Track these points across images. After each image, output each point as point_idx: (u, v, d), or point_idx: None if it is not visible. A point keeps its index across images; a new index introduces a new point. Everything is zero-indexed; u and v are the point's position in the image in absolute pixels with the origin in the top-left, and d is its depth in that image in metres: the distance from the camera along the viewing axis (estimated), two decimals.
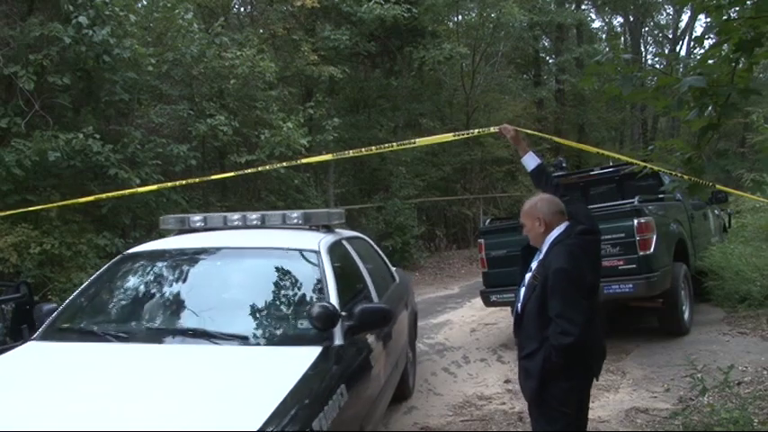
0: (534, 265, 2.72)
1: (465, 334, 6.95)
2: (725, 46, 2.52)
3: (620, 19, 27.19)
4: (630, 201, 5.62)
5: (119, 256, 3.61)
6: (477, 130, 4.56)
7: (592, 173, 7.46)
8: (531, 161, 3.08)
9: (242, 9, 14.23)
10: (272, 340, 2.79)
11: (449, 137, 4.57)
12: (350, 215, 12.65)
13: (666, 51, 26.44)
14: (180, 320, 3.00)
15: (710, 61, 2.68)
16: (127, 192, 5.92)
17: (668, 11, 26.46)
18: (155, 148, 8.27)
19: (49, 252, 6.92)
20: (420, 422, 4.33)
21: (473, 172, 16.79)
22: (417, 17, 12.60)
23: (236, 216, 3.80)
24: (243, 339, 2.71)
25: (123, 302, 3.28)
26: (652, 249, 5.31)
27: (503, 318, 7.17)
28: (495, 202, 17.01)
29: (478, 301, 6.76)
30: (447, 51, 13.00)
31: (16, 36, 7.14)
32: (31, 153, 6.78)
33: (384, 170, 13.54)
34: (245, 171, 5.44)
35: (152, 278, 3.39)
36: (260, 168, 5.70)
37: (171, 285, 3.26)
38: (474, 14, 16.41)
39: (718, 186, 3.78)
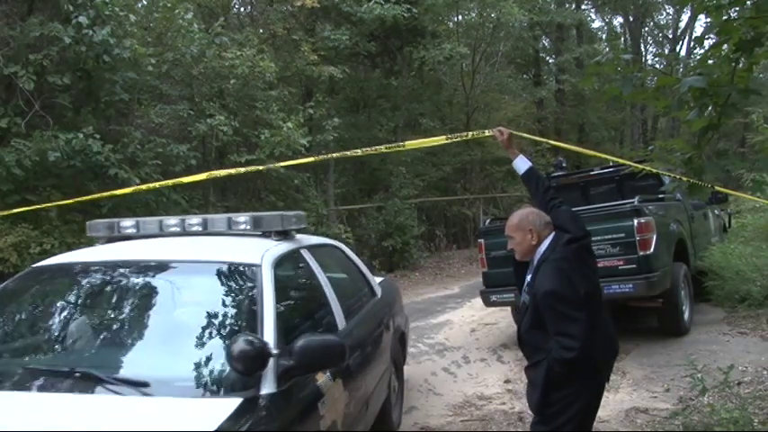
0: (529, 278, 2.71)
1: (465, 334, 6.95)
2: (725, 46, 2.52)
3: (620, 19, 27.19)
4: (630, 201, 5.62)
5: (26, 270, 3.10)
6: (471, 133, 4.36)
7: (592, 173, 7.46)
8: (522, 164, 3.06)
9: (242, 9, 14.25)
10: (179, 389, 2.12)
11: (441, 140, 4.35)
12: (350, 215, 12.67)
13: (666, 51, 26.44)
14: (68, 358, 2.42)
15: (710, 61, 2.68)
16: (127, 190, 5.89)
17: (668, 11, 26.47)
18: (155, 148, 8.28)
19: (49, 252, 6.92)
20: (420, 422, 4.33)
21: (473, 172, 16.80)
22: (417, 17, 12.60)
23: (173, 221, 3.24)
24: (141, 387, 2.10)
25: (8, 332, 2.67)
26: (652, 249, 5.31)
27: (503, 318, 7.17)
28: (495, 202, 17.01)
29: (478, 301, 6.76)
30: (447, 51, 13.01)
31: (16, 36, 7.15)
32: (31, 153, 6.79)
33: (384, 170, 13.55)
34: (239, 170, 5.29)
35: (50, 300, 2.82)
36: (247, 169, 5.54)
37: (69, 311, 2.68)
38: (474, 14, 16.41)
39: (717, 188, 3.78)
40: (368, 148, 4.69)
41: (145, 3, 9.87)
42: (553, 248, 2.60)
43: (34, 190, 7.26)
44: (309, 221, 10.85)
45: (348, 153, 4.63)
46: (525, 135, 5.51)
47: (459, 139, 4.30)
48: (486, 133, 3.59)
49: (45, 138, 6.87)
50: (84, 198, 5.51)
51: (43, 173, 7.31)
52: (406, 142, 4.54)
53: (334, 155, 4.80)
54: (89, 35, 6.99)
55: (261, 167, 5.58)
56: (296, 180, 11.08)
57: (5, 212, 5.62)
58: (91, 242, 7.90)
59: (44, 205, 6.08)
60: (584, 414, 2.60)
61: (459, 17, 16.80)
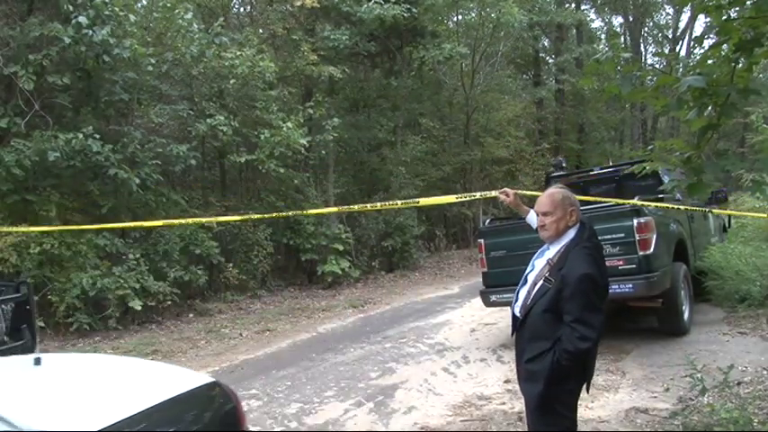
0: (538, 263, 2.65)
1: (465, 334, 6.95)
2: (725, 46, 2.51)
3: (619, 19, 27.22)
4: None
5: None
6: (479, 194, 4.78)
7: (591, 173, 7.46)
8: (535, 218, 3.08)
9: (242, 9, 14.25)
10: None
11: (452, 198, 4.81)
12: (350, 215, 12.67)
13: (666, 51, 26.45)
14: None
15: (710, 61, 2.67)
16: (156, 223, 6.08)
17: (668, 11, 26.50)
18: (154, 147, 8.29)
19: (49, 252, 6.93)
20: (420, 422, 4.32)
21: (473, 172, 16.81)
22: (417, 17, 12.61)
23: None
24: None
25: None
26: (652, 249, 5.31)
27: (503, 318, 7.17)
28: (495, 202, 17.00)
29: (478, 301, 6.76)
30: (447, 51, 13.02)
31: (16, 36, 7.15)
32: (30, 153, 6.79)
33: (384, 170, 13.55)
34: (265, 215, 5.70)
35: None
36: (280, 214, 6.05)
37: None
38: (474, 14, 16.42)
39: (714, 211, 3.83)
40: (386, 203, 5.26)
41: (145, 3, 9.87)
42: (581, 237, 2.58)
43: (34, 190, 7.26)
44: (308, 221, 10.85)
45: (368, 206, 5.10)
46: (528, 192, 5.72)
47: (469, 198, 4.87)
48: (493, 194, 3.72)
49: (45, 138, 6.87)
50: (118, 225, 5.70)
51: (43, 173, 7.32)
52: (420, 199, 5.05)
53: (356, 207, 5.47)
54: (89, 35, 6.99)
55: (294, 213, 6.04)
56: (296, 180, 11.07)
57: (15, 229, 5.63)
58: (89, 242, 7.90)
59: (54, 228, 6.14)
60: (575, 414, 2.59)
61: (459, 17, 16.82)
